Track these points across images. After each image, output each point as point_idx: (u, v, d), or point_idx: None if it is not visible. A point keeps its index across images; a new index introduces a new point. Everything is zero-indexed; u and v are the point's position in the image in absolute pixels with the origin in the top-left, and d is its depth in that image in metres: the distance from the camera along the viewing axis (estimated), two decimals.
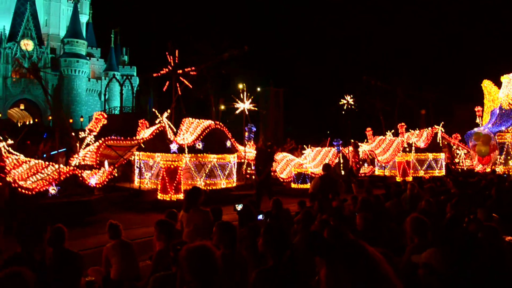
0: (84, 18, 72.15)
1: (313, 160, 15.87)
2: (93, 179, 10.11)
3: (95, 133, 10.92)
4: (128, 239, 5.40)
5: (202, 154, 12.40)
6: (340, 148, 15.83)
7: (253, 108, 19.17)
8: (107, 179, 10.52)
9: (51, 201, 9.25)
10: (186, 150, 11.96)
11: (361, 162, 16.02)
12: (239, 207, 4.33)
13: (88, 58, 67.65)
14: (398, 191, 8.36)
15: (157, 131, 12.12)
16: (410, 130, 19.61)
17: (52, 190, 9.40)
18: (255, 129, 15.20)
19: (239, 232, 4.56)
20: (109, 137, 11.09)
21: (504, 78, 21.80)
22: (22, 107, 63.77)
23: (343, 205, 7.66)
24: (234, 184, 13.65)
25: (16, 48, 61.04)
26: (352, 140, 16.55)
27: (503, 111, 21.21)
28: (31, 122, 58.51)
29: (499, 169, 19.72)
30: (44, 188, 9.28)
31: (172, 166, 11.39)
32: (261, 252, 3.31)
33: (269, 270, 3.13)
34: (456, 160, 20.14)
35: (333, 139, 16.32)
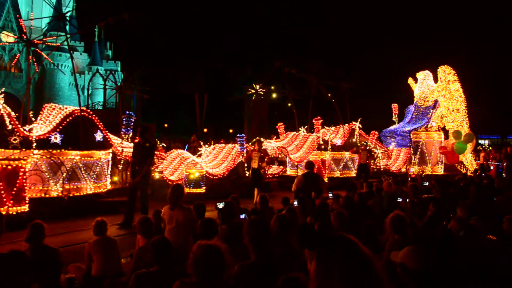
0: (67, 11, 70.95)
1: (214, 159, 13.66)
2: None
3: None
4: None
5: (59, 150, 9.56)
6: (245, 145, 14.08)
7: (143, 94, 16.64)
8: None
9: None
10: (34, 144, 9.25)
11: (267, 161, 14.17)
12: (220, 205, 4.33)
13: (71, 52, 66.53)
14: (380, 190, 8.47)
15: None
16: (325, 126, 18.21)
17: None
18: (135, 117, 12.39)
19: (221, 229, 4.56)
20: None
21: (420, 75, 21.22)
22: (2, 100, 62.42)
23: (326, 202, 7.72)
24: (107, 188, 10.91)
25: None
26: (257, 138, 15.03)
27: (419, 108, 20.58)
28: None
29: (414, 169, 18.86)
30: None
31: (10, 167, 8.17)
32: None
33: (250, 265, 3.16)
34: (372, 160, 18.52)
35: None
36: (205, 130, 41.83)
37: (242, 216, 5.60)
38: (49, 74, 63.60)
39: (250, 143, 15.50)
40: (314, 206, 7.44)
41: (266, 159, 13.09)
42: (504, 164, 18.29)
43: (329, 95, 19.81)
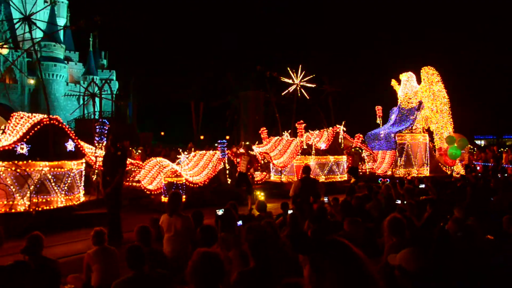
0: (61, 22, 70.97)
1: (194, 166, 13.17)
2: None
3: None
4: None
5: (26, 161, 8.91)
6: (226, 151, 13.55)
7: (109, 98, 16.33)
8: None
9: None
10: None
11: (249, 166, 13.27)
12: (220, 212, 4.34)
13: (66, 62, 66.50)
14: (377, 193, 8.50)
15: None
16: (309, 130, 17.75)
17: None
18: (108, 125, 11.74)
19: (219, 236, 4.58)
20: None
21: (403, 76, 20.94)
22: None
23: (324, 207, 7.73)
24: (81, 201, 10.23)
25: None
26: (243, 142, 14.71)
27: (403, 110, 20.32)
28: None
29: (400, 171, 18.59)
30: None
31: None
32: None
33: (250, 271, 3.17)
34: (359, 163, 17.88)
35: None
36: (202, 137, 41.81)
37: (240, 223, 5.60)
38: (44, 85, 63.49)
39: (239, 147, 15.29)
40: (312, 211, 7.45)
41: (250, 165, 12.56)
42: (491, 164, 18.40)
43: (308, 97, 19.53)
